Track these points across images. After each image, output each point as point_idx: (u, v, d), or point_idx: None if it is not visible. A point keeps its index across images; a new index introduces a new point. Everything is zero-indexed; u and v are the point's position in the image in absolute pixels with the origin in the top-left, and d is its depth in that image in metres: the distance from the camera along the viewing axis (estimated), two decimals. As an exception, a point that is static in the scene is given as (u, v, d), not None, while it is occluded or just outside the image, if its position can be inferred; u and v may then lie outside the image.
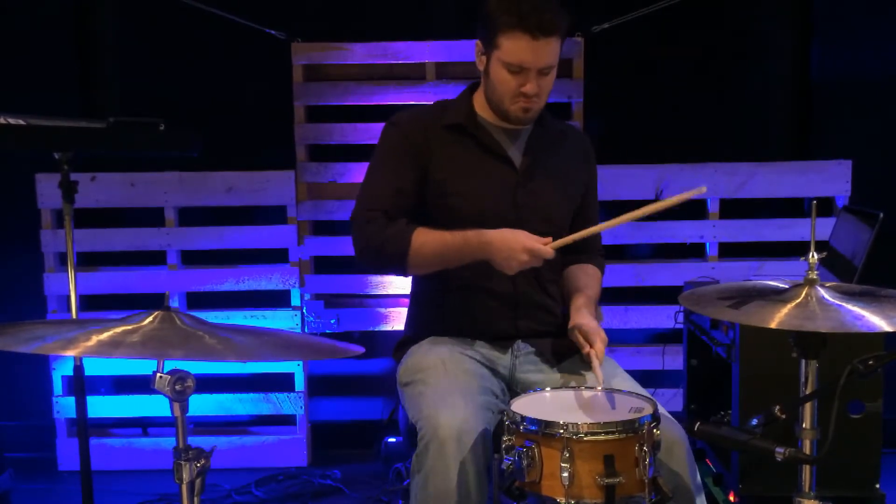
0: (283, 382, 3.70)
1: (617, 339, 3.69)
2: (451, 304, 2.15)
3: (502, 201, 2.13)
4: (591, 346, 2.00)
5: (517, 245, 1.95)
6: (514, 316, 2.15)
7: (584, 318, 2.08)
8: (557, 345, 2.18)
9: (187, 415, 1.51)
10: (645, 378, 3.48)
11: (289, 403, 3.69)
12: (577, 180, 2.26)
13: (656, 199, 3.60)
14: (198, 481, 1.52)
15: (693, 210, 3.66)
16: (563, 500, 1.64)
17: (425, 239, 2.05)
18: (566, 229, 2.22)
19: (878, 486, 2.51)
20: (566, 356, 2.17)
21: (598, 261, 2.33)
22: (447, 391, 1.93)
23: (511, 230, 2.00)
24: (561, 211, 2.21)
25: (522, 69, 2.01)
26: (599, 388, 1.89)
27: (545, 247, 1.96)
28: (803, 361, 1.69)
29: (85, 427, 2.49)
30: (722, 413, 2.84)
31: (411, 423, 1.98)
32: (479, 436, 1.84)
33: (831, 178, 3.55)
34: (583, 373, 2.10)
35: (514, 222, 2.11)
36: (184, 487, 1.51)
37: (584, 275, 2.24)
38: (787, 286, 1.73)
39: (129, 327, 1.47)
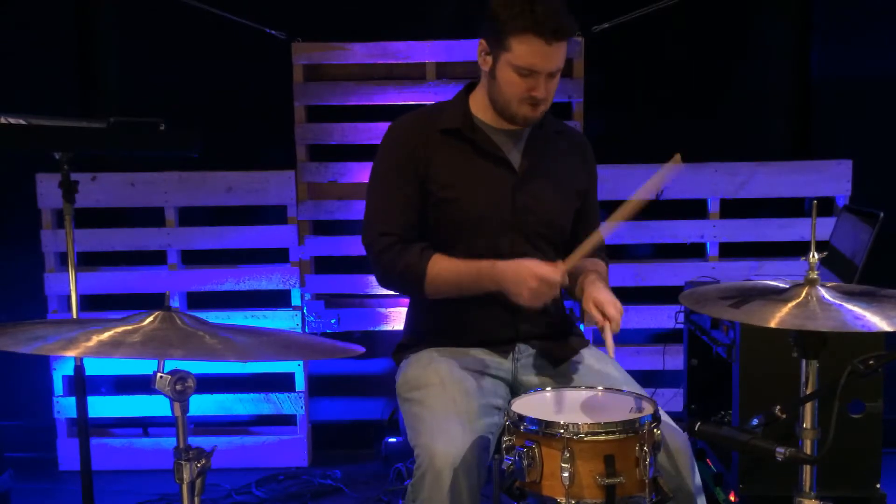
0: (283, 382, 3.70)
1: (617, 339, 3.65)
2: (451, 309, 2.13)
3: (501, 205, 2.11)
4: (606, 316, 1.96)
5: (526, 272, 1.93)
6: (514, 320, 2.14)
7: (599, 289, 2.02)
8: (558, 347, 2.18)
9: (188, 415, 1.51)
10: (645, 378, 3.49)
11: (289, 403, 3.69)
12: (577, 182, 2.24)
13: (657, 199, 3.60)
14: (198, 481, 1.52)
15: (693, 210, 3.66)
16: (564, 500, 1.64)
17: (440, 269, 2.05)
18: (567, 231, 2.22)
19: (878, 485, 2.51)
20: (567, 358, 2.16)
21: (603, 258, 2.30)
22: (445, 417, 1.92)
23: (520, 260, 1.98)
24: (561, 213, 2.20)
25: (533, 73, 1.99)
26: (610, 355, 1.89)
27: (554, 272, 1.92)
28: (804, 361, 1.69)
29: (85, 427, 2.49)
30: (722, 413, 2.84)
31: (409, 443, 1.98)
32: (475, 466, 1.84)
33: (832, 178, 3.55)
34: (584, 374, 2.10)
35: (513, 225, 2.11)
36: (184, 487, 1.51)
37: (592, 263, 2.20)
38: (787, 286, 1.73)
39: (130, 327, 1.47)
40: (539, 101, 2.04)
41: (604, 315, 1.96)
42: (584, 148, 2.30)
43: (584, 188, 2.26)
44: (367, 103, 3.67)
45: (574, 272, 2.18)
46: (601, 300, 1.98)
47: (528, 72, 1.99)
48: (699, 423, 1.68)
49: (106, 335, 1.43)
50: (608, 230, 2.07)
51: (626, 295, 3.60)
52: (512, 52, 1.98)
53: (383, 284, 2.16)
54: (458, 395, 2.00)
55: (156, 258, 3.67)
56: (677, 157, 1.86)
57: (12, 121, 2.34)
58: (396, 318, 3.65)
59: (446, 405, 1.96)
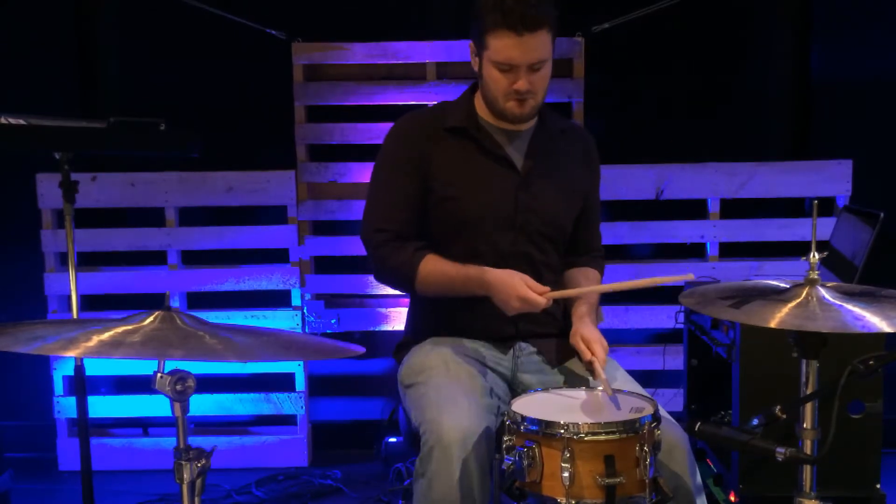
0: (283, 382, 3.70)
1: (617, 339, 3.69)
2: (452, 307, 2.14)
3: (504, 204, 2.12)
4: (594, 354, 2.00)
5: (512, 291, 1.95)
6: (515, 318, 2.14)
7: (587, 326, 2.07)
8: (558, 345, 2.18)
9: (188, 415, 1.51)
10: (645, 378, 3.49)
11: (289, 403, 3.69)
12: (580, 181, 2.25)
13: (657, 199, 3.61)
14: (198, 481, 1.52)
15: (693, 210, 3.66)
16: (564, 501, 1.64)
17: (430, 270, 2.07)
18: (568, 231, 2.23)
19: (878, 486, 2.51)
20: (567, 357, 2.17)
21: (598, 263, 2.32)
22: (450, 393, 1.93)
23: (511, 274, 1.99)
24: (563, 213, 2.21)
25: (512, 67, 2.00)
26: (609, 392, 1.88)
27: (540, 297, 1.95)
28: (804, 361, 1.69)
29: (85, 427, 2.49)
30: (722, 413, 2.84)
31: (413, 425, 1.98)
32: (483, 439, 1.83)
33: (832, 178, 3.55)
34: (584, 374, 2.10)
35: (515, 224, 2.12)
36: (184, 487, 1.51)
37: (585, 279, 2.24)
38: (787, 286, 1.73)
39: (130, 327, 1.47)
40: (525, 96, 2.03)
41: (591, 352, 2.01)
42: (588, 146, 2.31)
43: (587, 188, 2.27)
44: (367, 103, 3.67)
45: (569, 285, 2.23)
46: (588, 338, 2.03)
47: (507, 66, 2.00)
48: (699, 423, 1.68)
49: (106, 335, 1.43)
50: (607, 289, 2.18)
51: (627, 295, 3.63)
52: (490, 48, 2.00)
53: (378, 279, 2.20)
54: (462, 374, 2.02)
55: (156, 258, 3.67)
56: (690, 275, 1.91)
57: (12, 121, 2.34)
58: (396, 318, 3.65)
59: (451, 383, 1.98)
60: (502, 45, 1.98)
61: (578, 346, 2.04)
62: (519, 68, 2.00)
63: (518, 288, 1.95)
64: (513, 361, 2.16)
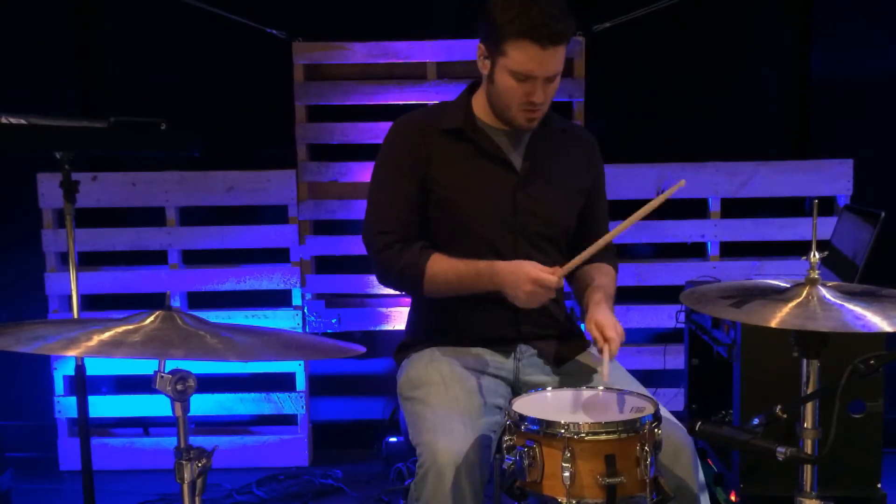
0: (284, 382, 3.70)
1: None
2: (453, 309, 2.13)
3: (502, 206, 2.11)
4: (606, 339, 1.96)
5: (523, 276, 1.94)
6: (516, 320, 2.14)
7: (602, 311, 2.04)
8: (560, 347, 2.17)
9: (188, 414, 1.51)
10: (646, 378, 3.48)
11: (290, 403, 3.69)
12: (581, 181, 2.23)
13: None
14: (199, 481, 1.52)
15: (694, 209, 3.66)
16: (565, 500, 1.64)
17: (438, 268, 2.05)
18: (569, 232, 2.22)
19: (879, 485, 2.51)
20: (569, 358, 2.16)
21: (610, 259, 2.30)
22: (447, 415, 1.93)
23: (519, 262, 1.99)
24: (563, 214, 2.19)
25: (530, 77, 1.97)
26: (605, 377, 1.88)
27: (551, 275, 1.93)
28: (804, 361, 1.69)
29: (86, 427, 2.49)
30: (723, 412, 2.84)
31: (411, 441, 1.99)
32: (478, 463, 1.84)
33: (832, 178, 3.55)
34: (585, 374, 2.10)
35: (514, 226, 2.11)
36: (185, 487, 1.51)
37: (601, 273, 2.20)
38: (788, 285, 1.73)
39: (131, 327, 1.47)
40: (538, 107, 2.03)
41: (604, 338, 1.97)
42: (590, 146, 2.28)
43: (588, 186, 2.25)
44: (367, 103, 3.67)
45: (583, 279, 2.19)
46: (602, 323, 1.99)
47: (525, 77, 1.97)
48: (700, 422, 1.68)
49: (107, 335, 1.43)
50: (610, 238, 2.08)
51: (627, 295, 3.63)
52: (508, 57, 1.97)
53: (383, 283, 2.16)
54: (460, 394, 2.00)
55: (157, 258, 3.67)
56: (682, 182, 1.88)
57: (13, 121, 2.34)
58: (397, 318, 3.65)
59: (448, 403, 1.97)
60: (525, 57, 1.94)
61: (593, 334, 2.01)
62: (537, 80, 1.98)
63: (530, 270, 1.94)
64: (515, 365, 2.16)
